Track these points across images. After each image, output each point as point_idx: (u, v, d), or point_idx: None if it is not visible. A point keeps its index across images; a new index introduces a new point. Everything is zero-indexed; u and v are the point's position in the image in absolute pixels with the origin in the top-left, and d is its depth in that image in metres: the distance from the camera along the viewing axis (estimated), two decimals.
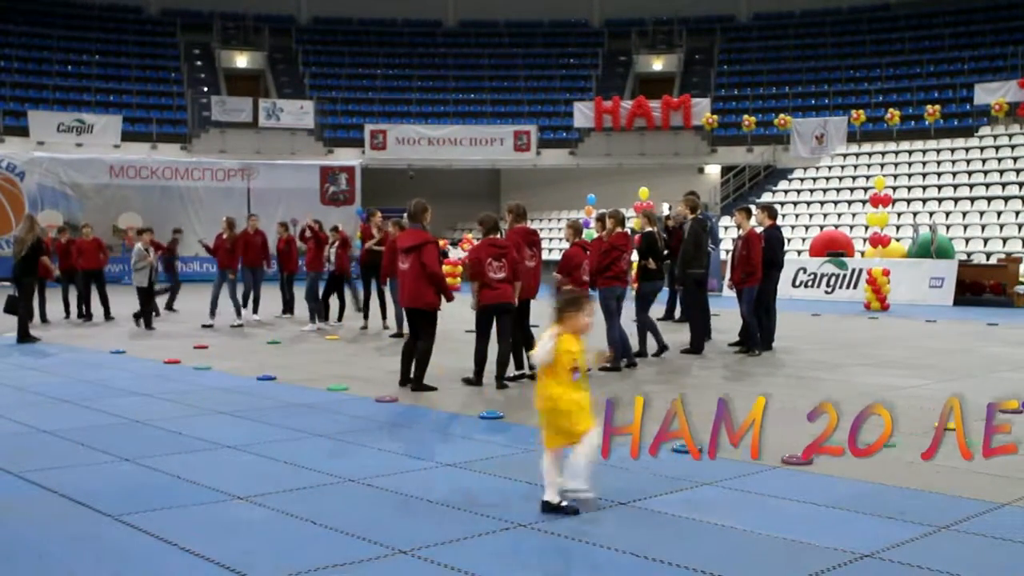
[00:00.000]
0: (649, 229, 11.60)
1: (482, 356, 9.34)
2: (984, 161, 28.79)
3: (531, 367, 9.65)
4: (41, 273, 14.18)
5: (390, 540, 4.53)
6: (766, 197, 31.38)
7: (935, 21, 38.20)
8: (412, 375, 9.11)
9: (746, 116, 33.52)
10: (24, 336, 13.13)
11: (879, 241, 20.54)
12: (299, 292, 16.10)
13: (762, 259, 11.84)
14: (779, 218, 13.54)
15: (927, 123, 30.94)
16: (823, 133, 32.30)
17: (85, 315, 16.76)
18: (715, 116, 34.29)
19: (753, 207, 12.87)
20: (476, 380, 9.30)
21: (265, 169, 31.39)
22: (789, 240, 27.55)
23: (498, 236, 9.48)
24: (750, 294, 11.78)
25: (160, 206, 29.12)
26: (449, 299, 9.12)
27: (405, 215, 9.57)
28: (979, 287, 20.74)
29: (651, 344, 11.43)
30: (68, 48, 37.66)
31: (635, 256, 11.61)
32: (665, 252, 12.04)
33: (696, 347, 11.90)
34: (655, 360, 11.20)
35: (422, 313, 9.07)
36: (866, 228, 23.79)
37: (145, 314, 15.02)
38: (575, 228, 10.62)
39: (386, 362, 11.08)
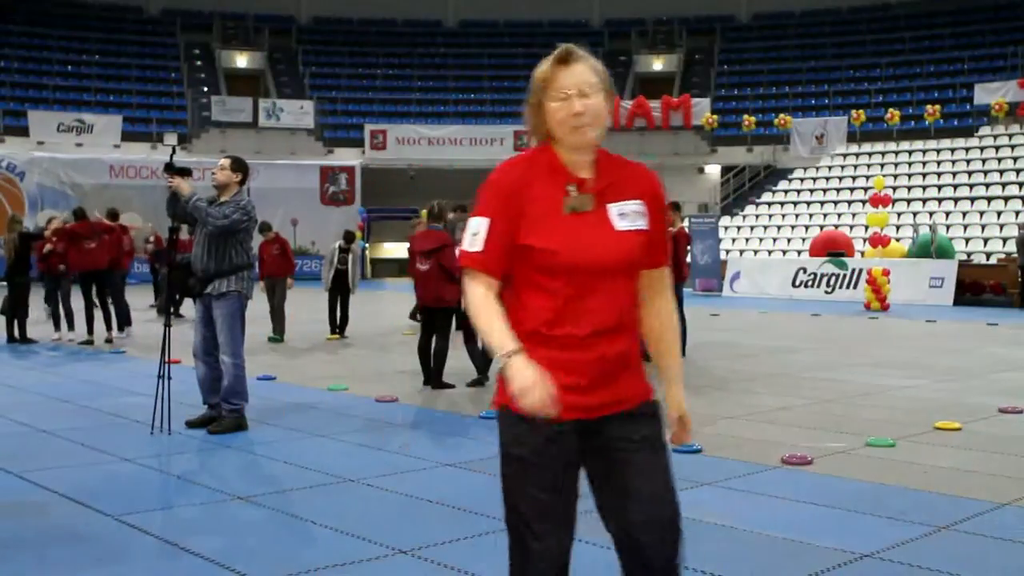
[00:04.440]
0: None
1: (475, 355, 9.30)
2: (984, 161, 28.78)
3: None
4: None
5: (390, 540, 4.53)
6: (766, 197, 31.39)
7: (935, 21, 38.21)
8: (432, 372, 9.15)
9: (746, 116, 33.51)
10: (23, 337, 13.12)
11: (879, 241, 20.55)
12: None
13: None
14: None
15: (927, 123, 30.94)
16: (823, 133, 32.31)
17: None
18: (715, 116, 34.28)
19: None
20: (480, 381, 9.30)
21: (265, 169, 31.33)
22: (789, 240, 27.64)
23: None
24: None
25: (160, 206, 28.83)
26: None
27: (426, 214, 9.52)
28: (979, 287, 20.74)
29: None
30: (68, 48, 37.66)
31: None
32: None
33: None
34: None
35: (441, 312, 9.16)
36: (866, 228, 23.79)
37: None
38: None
39: (386, 362, 11.08)
